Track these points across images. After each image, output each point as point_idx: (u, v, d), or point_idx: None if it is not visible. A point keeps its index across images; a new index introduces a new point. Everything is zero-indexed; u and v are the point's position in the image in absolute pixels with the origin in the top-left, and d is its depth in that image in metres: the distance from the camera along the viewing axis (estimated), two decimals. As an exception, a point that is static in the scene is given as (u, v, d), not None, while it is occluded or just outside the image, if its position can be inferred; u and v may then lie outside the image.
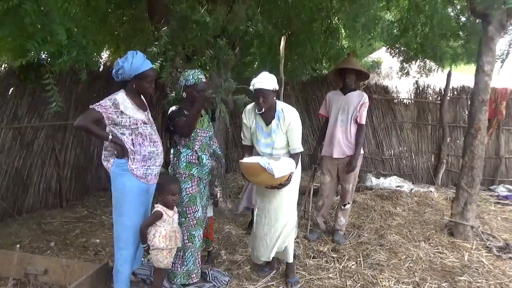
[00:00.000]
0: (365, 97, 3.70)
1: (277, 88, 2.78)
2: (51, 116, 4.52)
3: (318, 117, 6.68)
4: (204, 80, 2.73)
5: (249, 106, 2.95)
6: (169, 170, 2.86)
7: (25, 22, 2.68)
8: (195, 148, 2.77)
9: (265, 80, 2.69)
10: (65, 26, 2.84)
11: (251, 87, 2.76)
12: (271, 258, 3.03)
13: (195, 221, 2.77)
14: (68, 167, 4.81)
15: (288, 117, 2.79)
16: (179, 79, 2.78)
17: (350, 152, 3.69)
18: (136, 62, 2.40)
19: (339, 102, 3.73)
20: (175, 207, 2.61)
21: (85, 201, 4.96)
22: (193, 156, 2.76)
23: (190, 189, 2.74)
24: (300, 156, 2.93)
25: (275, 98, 2.83)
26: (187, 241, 2.76)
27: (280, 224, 2.88)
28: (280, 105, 2.85)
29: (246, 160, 2.75)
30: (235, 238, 3.81)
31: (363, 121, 3.70)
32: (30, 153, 4.37)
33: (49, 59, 3.40)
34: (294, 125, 2.80)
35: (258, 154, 2.96)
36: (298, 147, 2.86)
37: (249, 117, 2.92)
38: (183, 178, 2.72)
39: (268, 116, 2.82)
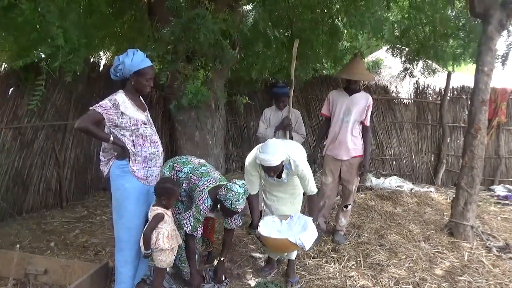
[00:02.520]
0: (370, 98, 3.71)
1: (284, 159, 2.70)
2: (51, 116, 4.52)
3: (318, 116, 6.66)
4: (240, 210, 2.61)
5: (251, 159, 2.85)
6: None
7: (19, 20, 2.64)
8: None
9: (274, 159, 2.59)
10: (62, 29, 2.79)
11: (257, 161, 2.70)
12: (276, 257, 3.15)
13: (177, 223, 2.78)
14: (68, 167, 4.80)
15: (297, 168, 2.78)
16: (220, 193, 2.56)
17: (355, 153, 3.69)
18: (136, 58, 2.39)
19: (344, 103, 3.70)
20: None
21: (85, 201, 4.95)
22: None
23: None
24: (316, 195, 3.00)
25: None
26: None
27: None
28: (288, 156, 2.78)
29: (267, 233, 2.71)
30: (235, 239, 3.80)
31: (369, 123, 3.71)
32: (30, 153, 4.36)
33: (48, 60, 3.34)
34: (304, 173, 2.81)
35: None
36: (313, 190, 2.90)
37: (257, 168, 2.86)
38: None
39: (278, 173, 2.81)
